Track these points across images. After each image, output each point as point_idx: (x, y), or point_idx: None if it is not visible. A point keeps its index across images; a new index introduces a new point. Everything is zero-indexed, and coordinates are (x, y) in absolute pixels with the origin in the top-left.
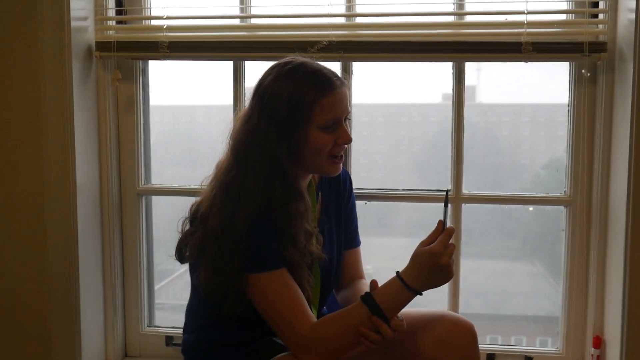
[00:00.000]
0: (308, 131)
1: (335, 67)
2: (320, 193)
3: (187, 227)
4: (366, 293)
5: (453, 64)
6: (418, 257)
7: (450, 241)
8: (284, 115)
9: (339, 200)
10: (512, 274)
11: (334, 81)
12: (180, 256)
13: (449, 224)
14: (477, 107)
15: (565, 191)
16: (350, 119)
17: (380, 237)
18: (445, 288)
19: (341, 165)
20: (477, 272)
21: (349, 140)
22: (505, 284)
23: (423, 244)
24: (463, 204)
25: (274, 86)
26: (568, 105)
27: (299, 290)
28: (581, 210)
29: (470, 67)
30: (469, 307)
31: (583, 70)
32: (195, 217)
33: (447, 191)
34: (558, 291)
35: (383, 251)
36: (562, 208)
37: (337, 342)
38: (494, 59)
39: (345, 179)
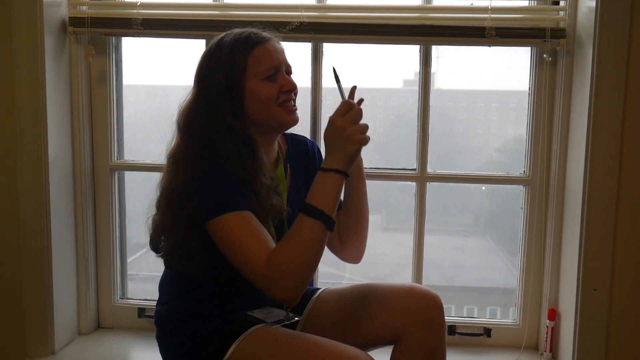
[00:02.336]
0: (248, 85)
1: (306, 47)
2: (288, 166)
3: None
4: (303, 203)
5: (420, 47)
6: (324, 137)
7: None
8: (222, 77)
9: (308, 172)
10: (465, 248)
11: (265, 35)
12: (154, 246)
13: (346, 98)
14: (436, 93)
15: (524, 171)
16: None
17: None
18: (409, 261)
19: (297, 115)
20: (434, 247)
21: (293, 86)
22: (459, 258)
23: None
24: (428, 183)
25: (208, 55)
26: (529, 89)
27: (264, 229)
28: (540, 189)
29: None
30: (426, 279)
31: (545, 55)
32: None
33: (334, 67)
34: (507, 265)
35: None
36: (520, 187)
37: (296, 262)
38: (459, 43)
39: (313, 150)
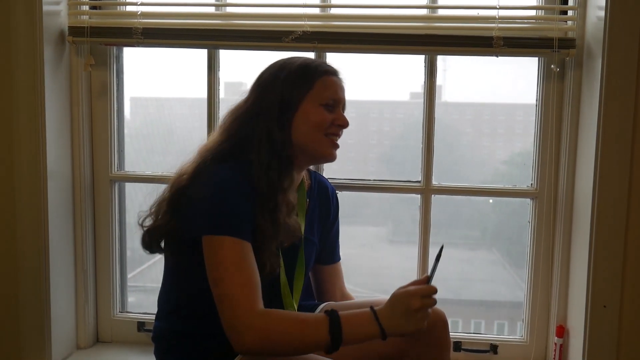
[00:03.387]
0: (305, 104)
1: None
2: (308, 200)
3: (159, 216)
4: (332, 310)
5: (425, 58)
6: (394, 297)
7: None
8: (281, 88)
9: (324, 214)
10: (471, 261)
11: (336, 69)
12: (151, 244)
13: (434, 282)
14: (442, 105)
15: (531, 184)
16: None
17: (350, 225)
18: (414, 274)
19: (336, 153)
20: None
21: (346, 123)
22: (466, 271)
23: (401, 287)
24: (433, 195)
25: (275, 66)
26: (536, 100)
27: (257, 273)
28: (548, 202)
29: (437, 67)
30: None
31: (552, 66)
32: (174, 198)
33: (442, 247)
34: (514, 278)
35: (353, 239)
36: (528, 200)
37: (279, 337)
38: (465, 53)
39: (333, 196)
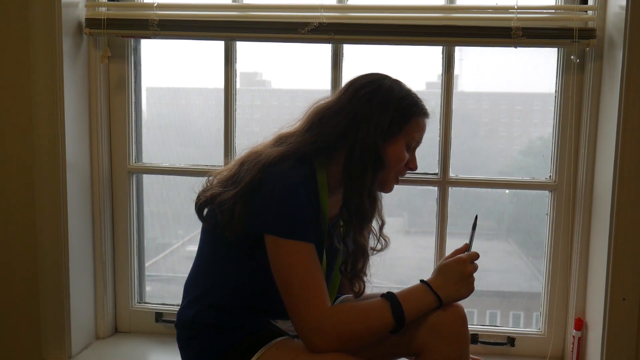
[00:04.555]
0: (397, 139)
1: (325, 49)
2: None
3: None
4: (388, 292)
5: (443, 49)
6: (445, 267)
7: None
8: (397, 111)
9: None
10: (488, 252)
11: (429, 112)
12: (205, 209)
13: (473, 248)
14: (459, 95)
15: (550, 176)
16: None
17: None
18: (431, 264)
19: None
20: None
21: (416, 167)
22: (482, 261)
23: (446, 258)
24: (450, 187)
25: (387, 85)
26: (555, 92)
27: (322, 273)
28: (567, 195)
29: (454, 58)
30: None
31: (572, 57)
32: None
33: (476, 216)
34: (531, 269)
35: None
36: (546, 192)
37: (350, 332)
38: (483, 44)
39: None
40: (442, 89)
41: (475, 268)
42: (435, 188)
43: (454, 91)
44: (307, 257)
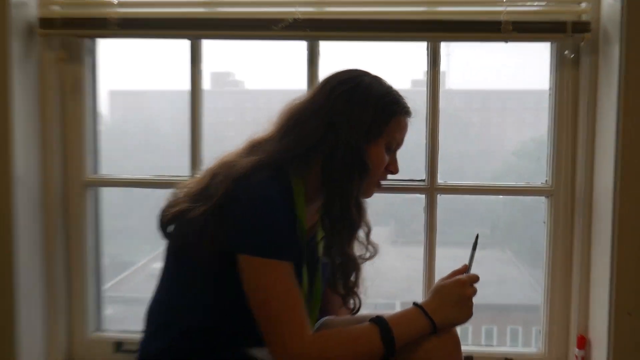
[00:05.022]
0: (379, 141)
1: (302, 46)
2: None
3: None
4: (377, 316)
5: (428, 45)
6: (441, 289)
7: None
8: (377, 110)
9: None
10: (481, 261)
11: (411, 111)
12: (171, 226)
13: (472, 270)
14: (446, 93)
15: (546, 180)
16: None
17: None
18: (420, 275)
19: None
20: (447, 259)
21: (397, 171)
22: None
23: (443, 279)
24: (438, 195)
25: (365, 83)
26: (550, 89)
27: (302, 294)
28: (565, 200)
29: (441, 54)
30: None
31: (566, 52)
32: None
33: (477, 235)
34: (528, 279)
35: None
36: (542, 198)
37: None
38: (471, 39)
39: None
40: (427, 86)
41: (474, 291)
42: (423, 196)
43: (441, 89)
44: (285, 278)
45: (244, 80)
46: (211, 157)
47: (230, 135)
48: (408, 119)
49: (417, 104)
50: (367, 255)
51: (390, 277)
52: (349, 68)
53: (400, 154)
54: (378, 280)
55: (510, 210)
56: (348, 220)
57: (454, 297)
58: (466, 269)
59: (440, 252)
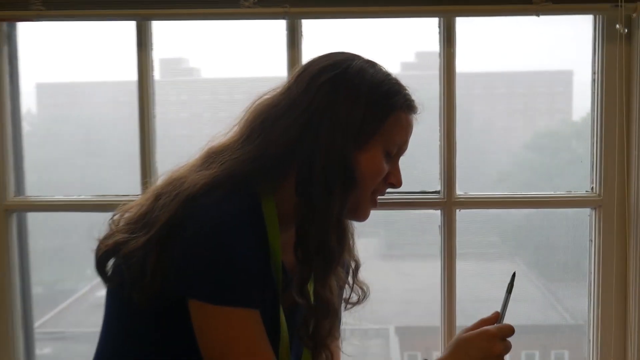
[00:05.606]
0: (373, 144)
1: (280, 26)
2: None
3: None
4: None
5: (440, 21)
6: (464, 342)
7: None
8: (368, 107)
9: None
10: (489, 275)
11: (416, 105)
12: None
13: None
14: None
15: (592, 188)
16: None
17: None
18: (417, 297)
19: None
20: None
21: (400, 182)
22: (481, 287)
23: (467, 330)
24: (457, 210)
25: (355, 66)
26: (593, 74)
27: (270, 347)
28: (618, 213)
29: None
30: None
31: (617, 26)
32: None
33: (514, 274)
34: (545, 295)
35: None
36: (587, 211)
37: None
38: (497, 13)
39: None
40: (441, 72)
41: (507, 348)
42: (438, 212)
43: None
44: (248, 329)
45: (200, 67)
46: (164, 164)
47: (183, 134)
48: (412, 115)
49: (423, 93)
50: (354, 298)
51: (382, 299)
52: (336, 51)
53: (407, 157)
54: (368, 303)
55: (531, 223)
56: (325, 250)
57: (479, 353)
58: (498, 317)
59: (461, 281)
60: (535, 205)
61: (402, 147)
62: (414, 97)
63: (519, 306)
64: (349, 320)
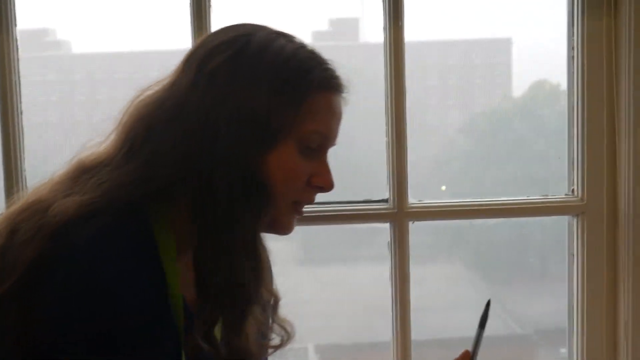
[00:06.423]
0: (284, 141)
1: None
2: None
3: None
4: None
5: None
6: None
7: None
8: (273, 96)
9: None
10: (444, 280)
11: (343, 82)
12: None
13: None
14: (373, 48)
15: (573, 191)
16: None
17: None
18: (342, 308)
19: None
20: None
21: (329, 184)
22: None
23: None
24: (410, 222)
25: (257, 40)
26: (571, 49)
27: None
28: (607, 221)
29: None
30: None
31: None
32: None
33: (488, 302)
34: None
35: None
36: (567, 218)
37: None
38: None
39: None
40: (386, 49)
41: None
42: (387, 225)
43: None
44: None
45: (70, 40)
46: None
47: (53, 123)
48: (337, 96)
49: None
50: (276, 340)
51: (301, 312)
52: (231, 24)
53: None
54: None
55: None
56: (233, 288)
57: None
58: (469, 357)
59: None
60: (506, 214)
61: (327, 138)
62: (338, 72)
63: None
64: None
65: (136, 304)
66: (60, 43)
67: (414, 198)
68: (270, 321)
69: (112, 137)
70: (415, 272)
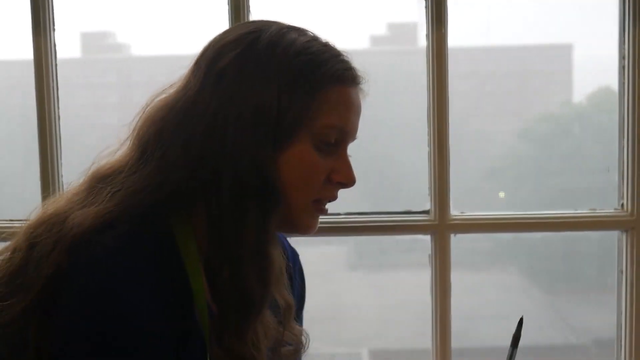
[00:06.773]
0: (298, 137)
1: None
2: None
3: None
4: None
5: None
6: None
7: None
8: (273, 86)
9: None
10: (478, 287)
11: (359, 73)
12: None
13: None
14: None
15: (622, 205)
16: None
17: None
18: (396, 315)
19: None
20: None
21: (350, 179)
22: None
23: None
24: (452, 234)
25: (267, 36)
26: (622, 59)
27: None
28: None
29: None
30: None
31: None
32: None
33: (521, 320)
34: (545, 307)
35: None
36: (615, 233)
37: None
38: None
39: (295, 266)
40: (429, 55)
41: None
42: (428, 237)
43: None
44: None
45: (130, 43)
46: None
47: (112, 124)
48: (354, 88)
49: (381, 69)
50: (287, 349)
51: (353, 317)
52: (246, 21)
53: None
54: (335, 322)
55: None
56: (239, 291)
57: None
58: None
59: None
60: (550, 228)
61: (344, 132)
62: (353, 64)
63: None
64: (315, 344)
65: (159, 316)
66: (120, 46)
67: (467, 205)
68: (283, 328)
69: (127, 144)
70: (471, 279)
